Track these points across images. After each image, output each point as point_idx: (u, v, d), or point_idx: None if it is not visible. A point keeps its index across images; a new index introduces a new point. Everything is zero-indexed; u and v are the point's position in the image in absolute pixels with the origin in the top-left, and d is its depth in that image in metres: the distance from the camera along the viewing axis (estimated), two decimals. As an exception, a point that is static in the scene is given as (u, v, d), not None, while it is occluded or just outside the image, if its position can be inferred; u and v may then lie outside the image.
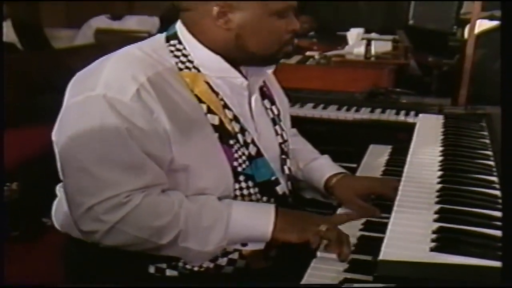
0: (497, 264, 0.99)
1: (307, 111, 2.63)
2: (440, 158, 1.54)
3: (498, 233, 1.11)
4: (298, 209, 1.44)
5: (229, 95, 1.33)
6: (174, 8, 1.34)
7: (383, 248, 1.06)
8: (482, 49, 2.88)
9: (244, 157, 1.32)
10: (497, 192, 1.32)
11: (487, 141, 1.71)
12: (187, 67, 1.30)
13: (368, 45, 3.42)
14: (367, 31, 3.85)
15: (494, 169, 1.46)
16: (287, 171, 1.47)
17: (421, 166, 1.49)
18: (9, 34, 4.17)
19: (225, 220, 1.25)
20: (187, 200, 1.25)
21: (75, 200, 1.23)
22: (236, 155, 1.31)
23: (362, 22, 4.23)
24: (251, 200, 1.34)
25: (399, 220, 1.19)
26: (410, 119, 2.46)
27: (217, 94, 1.31)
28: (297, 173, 1.59)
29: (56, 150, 1.30)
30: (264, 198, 1.37)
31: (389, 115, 2.56)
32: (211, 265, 1.30)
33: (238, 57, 1.32)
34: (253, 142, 1.35)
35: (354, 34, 3.74)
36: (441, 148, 1.62)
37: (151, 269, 1.30)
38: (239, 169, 1.32)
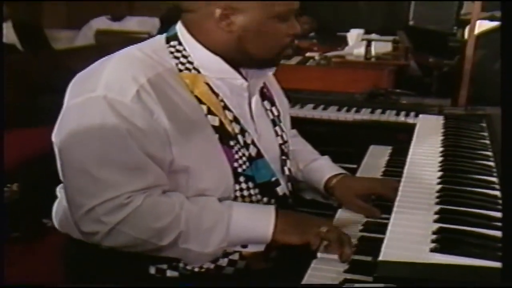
0: (497, 264, 0.99)
1: (307, 112, 2.64)
2: (440, 158, 1.54)
3: (498, 233, 1.11)
4: (298, 210, 1.44)
5: (229, 96, 1.33)
6: (175, 9, 1.35)
7: (383, 249, 1.06)
8: (482, 50, 2.88)
9: (244, 158, 1.33)
10: (497, 193, 1.32)
11: (487, 141, 1.71)
12: (187, 68, 1.30)
13: (368, 46, 3.41)
14: (367, 32, 3.85)
15: (494, 170, 1.46)
16: (287, 172, 1.47)
17: (421, 167, 1.49)
18: (10, 35, 4.18)
19: (226, 222, 1.25)
20: (187, 201, 1.25)
21: (76, 201, 1.23)
22: (236, 156, 1.31)
23: (362, 22, 4.22)
24: (251, 201, 1.34)
25: (399, 220, 1.19)
26: (410, 120, 2.47)
27: (217, 95, 1.32)
28: (297, 174, 1.60)
29: (57, 151, 1.30)
30: (265, 199, 1.37)
31: (389, 116, 2.56)
32: (212, 266, 1.30)
33: (238, 59, 1.32)
34: (253, 143, 1.35)
35: (354, 35, 3.74)
36: (441, 149, 1.62)
37: (152, 270, 1.30)
38: (240, 170, 1.32)
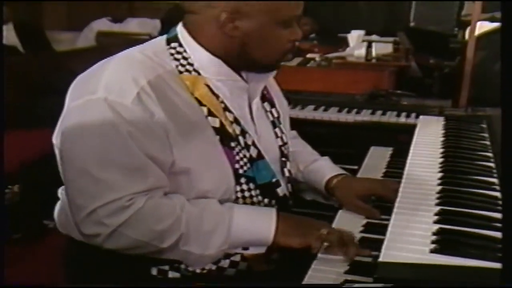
0: (497, 265, 0.99)
1: (308, 113, 2.64)
2: (441, 159, 1.55)
3: (498, 234, 1.11)
4: (299, 212, 1.44)
5: (229, 97, 1.34)
6: (175, 10, 1.35)
7: (383, 250, 1.07)
8: (483, 51, 2.88)
9: (245, 159, 1.33)
10: (497, 194, 1.32)
11: (488, 142, 1.71)
12: (187, 70, 1.30)
13: (369, 47, 3.41)
14: (368, 33, 3.85)
15: (495, 171, 1.46)
16: (287, 174, 1.47)
17: (421, 168, 1.49)
18: (11, 37, 4.19)
19: (227, 224, 1.25)
20: (188, 203, 1.25)
21: (77, 203, 1.23)
22: (237, 157, 1.31)
23: (363, 24, 4.22)
24: (252, 202, 1.34)
25: (399, 221, 1.19)
26: (411, 121, 2.46)
27: (217, 96, 1.32)
28: (298, 175, 1.60)
29: (58, 154, 1.30)
30: (265, 200, 1.37)
31: (390, 117, 2.56)
32: (214, 267, 1.30)
33: (239, 62, 1.33)
34: (253, 144, 1.36)
35: (355, 36, 3.73)
36: (441, 150, 1.62)
37: (154, 271, 1.30)
38: (241, 171, 1.32)
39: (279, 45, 1.32)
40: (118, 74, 1.24)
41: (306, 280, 1.16)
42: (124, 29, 5.04)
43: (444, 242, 1.08)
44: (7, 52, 3.57)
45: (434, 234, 1.12)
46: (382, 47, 3.56)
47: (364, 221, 1.41)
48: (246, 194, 1.33)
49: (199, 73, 1.31)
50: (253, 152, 1.35)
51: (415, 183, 1.39)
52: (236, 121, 1.34)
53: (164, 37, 1.36)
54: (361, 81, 2.93)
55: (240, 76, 1.35)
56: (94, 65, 1.32)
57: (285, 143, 1.49)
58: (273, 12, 1.26)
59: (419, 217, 1.20)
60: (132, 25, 5.11)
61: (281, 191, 1.40)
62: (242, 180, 1.32)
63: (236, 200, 1.32)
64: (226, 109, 1.32)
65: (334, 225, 1.38)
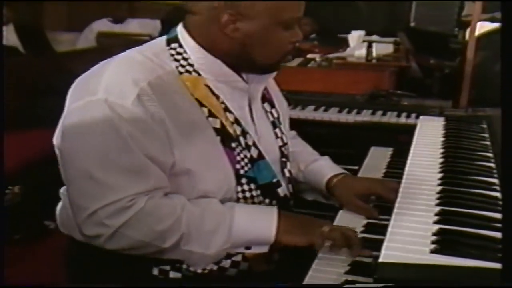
0: (497, 266, 0.99)
1: (308, 113, 2.64)
2: (441, 160, 1.55)
3: (498, 235, 1.11)
4: (300, 212, 1.45)
5: (229, 98, 1.34)
6: (176, 11, 1.35)
7: (383, 250, 1.06)
8: (483, 51, 2.88)
9: (246, 160, 1.33)
10: (498, 194, 1.32)
11: (488, 143, 1.71)
12: (187, 71, 1.30)
13: (370, 47, 3.41)
14: (368, 34, 3.85)
15: (495, 171, 1.46)
16: (287, 174, 1.48)
17: (422, 168, 1.49)
18: (11, 38, 4.19)
19: (228, 223, 1.26)
20: (189, 203, 1.25)
21: (78, 204, 1.24)
22: (238, 158, 1.32)
23: (363, 24, 4.22)
24: (253, 203, 1.35)
25: (399, 222, 1.19)
26: (411, 121, 2.46)
27: (217, 97, 1.32)
28: (298, 175, 1.60)
29: (58, 155, 1.31)
30: (266, 201, 1.37)
31: (390, 117, 2.56)
32: (215, 267, 1.30)
33: (239, 63, 1.33)
34: (254, 144, 1.36)
35: (355, 37, 3.73)
36: (441, 150, 1.62)
37: (155, 271, 1.30)
38: (242, 171, 1.32)
39: (279, 46, 1.32)
40: (119, 75, 1.24)
41: (307, 280, 1.16)
42: (125, 30, 5.04)
43: (444, 243, 1.08)
44: (8, 53, 3.57)
45: (434, 234, 1.12)
46: (383, 48, 3.56)
47: (365, 222, 1.41)
48: (247, 194, 1.34)
49: (199, 74, 1.31)
50: (254, 152, 1.35)
51: (415, 183, 1.39)
52: (236, 121, 1.34)
53: (164, 37, 1.37)
54: (362, 82, 2.93)
55: (241, 77, 1.35)
56: (95, 66, 1.32)
57: (285, 144, 1.49)
58: (274, 14, 1.26)
59: (419, 217, 1.20)
60: (133, 25, 5.11)
61: (282, 191, 1.40)
62: (243, 180, 1.33)
63: (237, 201, 1.33)
64: (226, 109, 1.33)
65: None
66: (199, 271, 1.29)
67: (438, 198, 1.30)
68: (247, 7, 1.25)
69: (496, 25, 2.89)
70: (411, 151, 1.63)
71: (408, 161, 1.55)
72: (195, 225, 1.24)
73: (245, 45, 1.29)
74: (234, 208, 1.28)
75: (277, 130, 1.48)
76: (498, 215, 1.20)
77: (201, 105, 1.29)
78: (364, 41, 3.61)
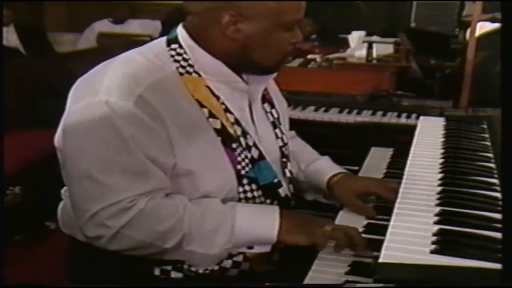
0: (497, 266, 0.99)
1: (309, 114, 2.64)
2: (441, 160, 1.55)
3: (498, 235, 1.11)
4: (301, 212, 1.45)
5: (229, 98, 1.34)
6: (176, 11, 1.35)
7: (383, 251, 1.06)
8: (484, 52, 2.88)
9: (247, 160, 1.33)
10: (498, 194, 1.32)
11: (488, 143, 1.71)
12: (187, 72, 1.30)
13: (370, 48, 3.42)
14: (369, 34, 3.85)
15: (495, 172, 1.46)
16: (288, 174, 1.48)
17: (422, 168, 1.49)
18: (12, 39, 4.20)
19: (230, 223, 1.26)
20: (191, 203, 1.25)
21: (80, 206, 1.24)
22: (239, 158, 1.32)
23: (364, 25, 4.22)
24: (254, 203, 1.35)
25: (400, 222, 1.19)
26: (411, 122, 2.46)
27: (218, 98, 1.32)
28: (299, 174, 1.60)
29: (60, 156, 1.31)
30: (268, 201, 1.37)
31: (391, 118, 2.56)
32: (216, 267, 1.30)
33: (239, 64, 1.33)
34: (255, 145, 1.36)
35: (355, 37, 3.74)
36: (442, 151, 1.62)
37: (156, 271, 1.31)
38: (243, 172, 1.32)
39: (280, 48, 1.32)
40: (120, 77, 1.24)
41: (307, 280, 1.16)
42: (125, 31, 5.06)
43: (444, 243, 1.08)
44: (8, 53, 3.57)
45: (434, 234, 1.12)
46: (383, 48, 3.57)
47: (365, 222, 1.41)
48: (249, 195, 1.34)
49: (199, 75, 1.31)
50: (255, 153, 1.35)
51: (416, 184, 1.39)
52: (237, 122, 1.34)
53: (164, 38, 1.36)
54: (362, 82, 2.93)
55: (241, 77, 1.35)
56: (96, 67, 1.32)
57: (285, 144, 1.50)
58: (275, 15, 1.26)
59: (419, 217, 1.20)
60: (133, 26, 5.13)
61: (283, 191, 1.41)
62: (244, 181, 1.33)
63: (238, 201, 1.33)
64: (227, 110, 1.33)
65: (334, 225, 1.38)
66: (201, 271, 1.29)
67: (438, 199, 1.29)
68: (248, 8, 1.25)
69: (496, 25, 2.89)
70: (411, 152, 1.63)
71: (408, 162, 1.55)
72: (197, 225, 1.24)
73: (245, 46, 1.29)
74: (235, 208, 1.28)
75: (277, 130, 1.48)
76: (498, 216, 1.20)
77: (202, 106, 1.29)
78: (364, 41, 3.61)
